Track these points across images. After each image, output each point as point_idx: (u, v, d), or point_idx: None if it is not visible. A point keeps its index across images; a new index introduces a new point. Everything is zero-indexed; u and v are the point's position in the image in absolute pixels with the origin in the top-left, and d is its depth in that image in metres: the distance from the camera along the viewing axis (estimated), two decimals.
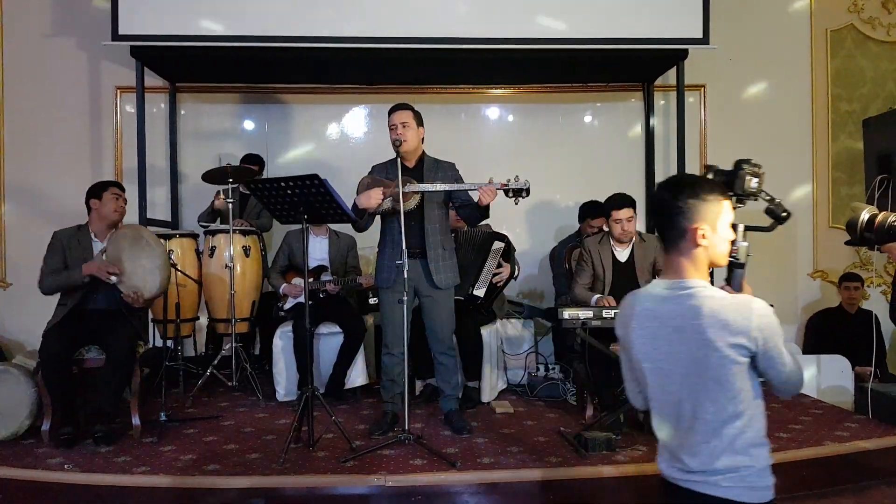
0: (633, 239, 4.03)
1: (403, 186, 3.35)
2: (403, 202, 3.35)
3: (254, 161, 5.22)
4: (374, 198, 3.45)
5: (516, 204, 3.44)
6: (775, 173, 6.04)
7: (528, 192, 3.38)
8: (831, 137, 5.99)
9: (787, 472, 3.14)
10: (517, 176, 3.40)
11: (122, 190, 3.87)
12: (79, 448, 3.36)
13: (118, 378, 3.51)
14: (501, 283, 4.43)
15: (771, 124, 5.95)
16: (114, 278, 3.54)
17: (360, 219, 3.56)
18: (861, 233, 1.91)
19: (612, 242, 4.03)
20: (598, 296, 3.86)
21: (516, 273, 4.64)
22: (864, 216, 1.91)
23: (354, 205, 3.50)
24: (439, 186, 3.47)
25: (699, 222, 1.71)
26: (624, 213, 3.94)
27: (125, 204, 3.86)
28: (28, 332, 5.37)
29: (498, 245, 4.36)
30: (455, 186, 3.48)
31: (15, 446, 3.42)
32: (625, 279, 3.98)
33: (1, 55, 5.56)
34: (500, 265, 4.41)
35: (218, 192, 5.01)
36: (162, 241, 4.48)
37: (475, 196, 3.48)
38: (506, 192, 3.40)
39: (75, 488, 2.99)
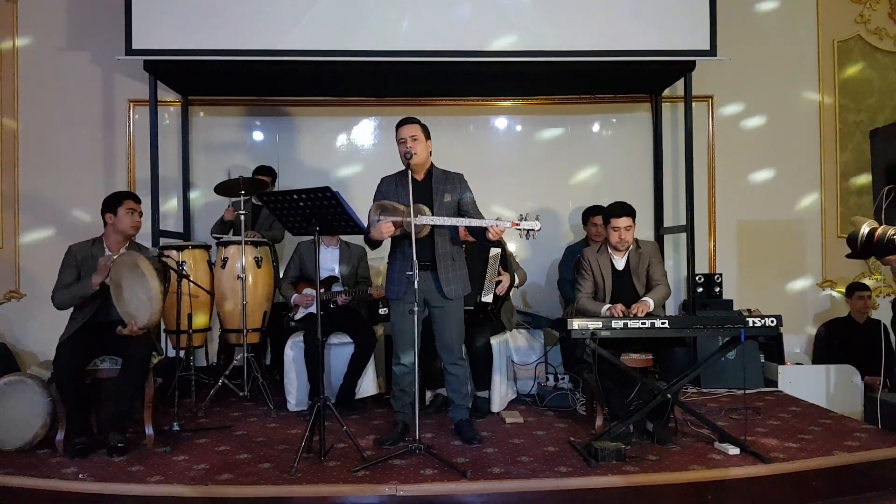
0: (630, 247, 4.05)
1: (415, 216, 3.38)
2: (417, 234, 3.39)
3: (266, 172, 5.28)
4: (385, 232, 3.49)
5: (526, 240, 3.46)
6: (783, 184, 6.14)
7: (539, 230, 3.39)
8: (839, 148, 6.00)
9: (797, 481, 3.15)
10: (527, 214, 3.40)
11: (138, 201, 3.85)
12: (93, 457, 3.39)
13: (132, 388, 3.55)
14: (503, 292, 4.46)
15: (779, 135, 5.98)
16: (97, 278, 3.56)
17: (375, 248, 3.69)
18: (862, 246, 1.94)
19: (609, 251, 4.06)
20: (609, 305, 3.88)
21: (517, 282, 4.66)
22: (865, 230, 1.94)
23: (368, 235, 3.57)
24: (450, 221, 3.49)
25: None
26: (622, 222, 3.97)
27: (141, 217, 3.86)
28: (42, 342, 5.44)
29: (494, 251, 4.39)
30: (466, 222, 3.49)
31: (30, 456, 3.46)
32: (624, 286, 4.02)
33: (16, 69, 5.65)
34: (499, 273, 4.44)
35: (228, 206, 5.08)
36: (174, 251, 4.56)
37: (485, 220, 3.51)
38: (518, 231, 3.41)
39: (89, 497, 3.01)
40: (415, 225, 3.37)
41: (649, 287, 4.01)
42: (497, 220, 3.44)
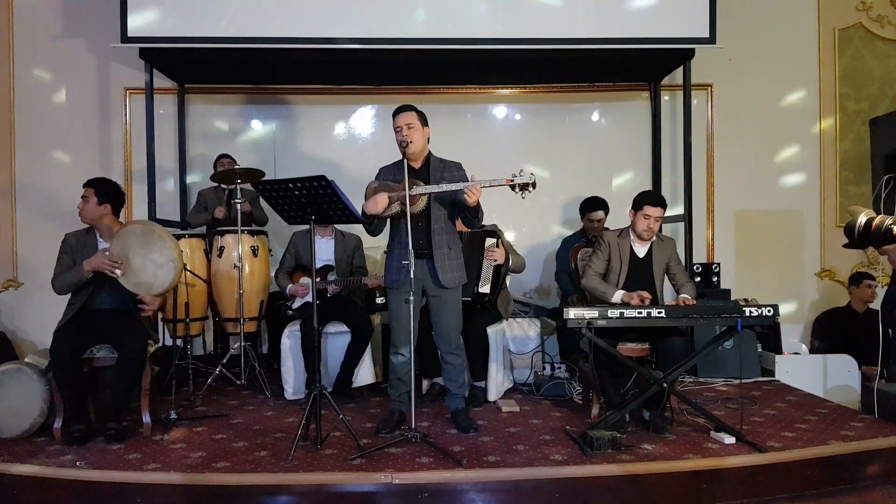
0: (653, 238, 4.04)
1: (410, 189, 3.37)
2: (411, 205, 3.37)
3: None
4: (380, 203, 3.46)
5: (523, 198, 3.41)
6: (782, 173, 6.12)
7: (534, 185, 3.34)
8: (839, 136, 5.98)
9: (793, 470, 3.16)
10: (522, 170, 3.37)
11: (85, 186, 3.77)
12: (90, 445, 3.40)
13: (129, 376, 3.55)
14: (497, 261, 4.40)
15: (778, 123, 5.96)
16: (118, 272, 3.56)
17: (371, 224, 3.57)
18: (859, 235, 1.93)
19: (631, 237, 4.04)
20: (623, 292, 3.83)
21: (511, 264, 4.61)
22: (862, 219, 1.92)
23: (363, 211, 3.52)
24: (445, 187, 3.47)
25: None
26: (656, 212, 3.92)
27: (86, 203, 3.74)
28: (40, 330, 5.45)
29: (490, 242, 4.40)
30: (460, 185, 3.46)
31: (27, 443, 3.46)
32: (640, 275, 3.99)
33: (12, 57, 5.62)
34: (494, 248, 4.42)
35: (218, 206, 5.08)
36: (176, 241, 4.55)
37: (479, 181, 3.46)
38: (512, 188, 3.38)
39: (87, 485, 3.02)
40: (409, 196, 3.34)
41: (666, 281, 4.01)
42: (472, 178, 3.40)
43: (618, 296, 3.83)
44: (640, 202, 4.00)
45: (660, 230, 4.29)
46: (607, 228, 4.99)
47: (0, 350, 5.20)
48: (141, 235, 3.60)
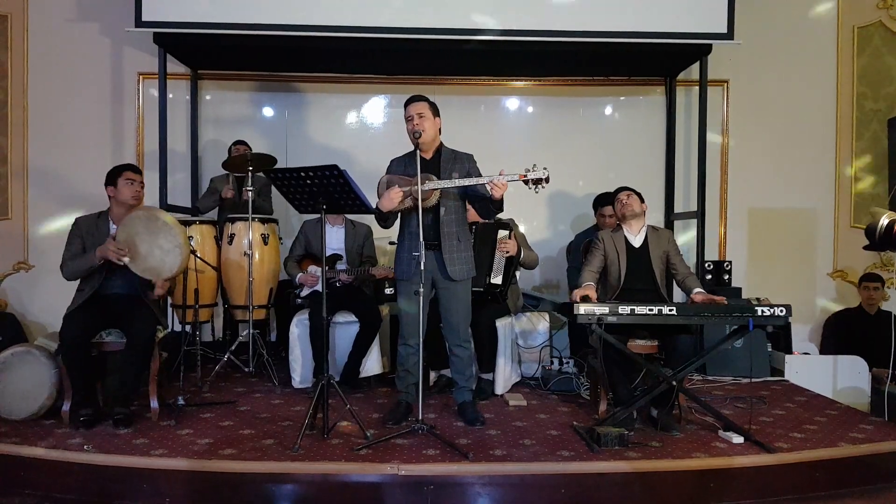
0: (644, 227, 4.03)
1: (422, 183, 3.35)
2: (423, 199, 3.35)
3: (243, 145, 5.30)
4: (394, 198, 3.45)
5: (536, 193, 3.40)
6: (797, 172, 6.06)
7: (547, 180, 3.33)
8: (855, 136, 5.91)
9: (801, 472, 3.14)
10: (535, 164, 3.36)
11: (137, 172, 3.82)
12: (98, 429, 3.42)
13: (138, 361, 3.56)
14: (510, 253, 4.38)
15: (794, 121, 5.90)
16: (126, 259, 3.56)
17: (385, 220, 3.58)
18: (880, 238, 1.89)
19: (624, 229, 4.04)
20: (588, 282, 3.85)
21: (522, 258, 4.59)
22: (884, 221, 1.89)
23: (378, 208, 3.51)
24: (458, 182, 3.45)
25: None
26: (622, 195, 4.04)
27: (142, 188, 3.82)
28: (50, 313, 5.48)
29: (503, 234, 4.38)
30: (473, 181, 3.45)
31: (36, 426, 3.48)
32: (639, 264, 3.97)
33: (26, 40, 5.62)
34: (506, 240, 4.41)
35: (227, 186, 5.09)
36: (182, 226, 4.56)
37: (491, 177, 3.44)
38: (525, 182, 3.36)
39: (94, 469, 3.03)
40: (422, 190, 3.33)
41: (669, 273, 3.99)
42: (500, 173, 3.37)
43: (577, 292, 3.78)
44: (611, 199, 4.13)
45: (670, 227, 4.30)
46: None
47: (10, 332, 5.23)
48: (146, 221, 3.60)
